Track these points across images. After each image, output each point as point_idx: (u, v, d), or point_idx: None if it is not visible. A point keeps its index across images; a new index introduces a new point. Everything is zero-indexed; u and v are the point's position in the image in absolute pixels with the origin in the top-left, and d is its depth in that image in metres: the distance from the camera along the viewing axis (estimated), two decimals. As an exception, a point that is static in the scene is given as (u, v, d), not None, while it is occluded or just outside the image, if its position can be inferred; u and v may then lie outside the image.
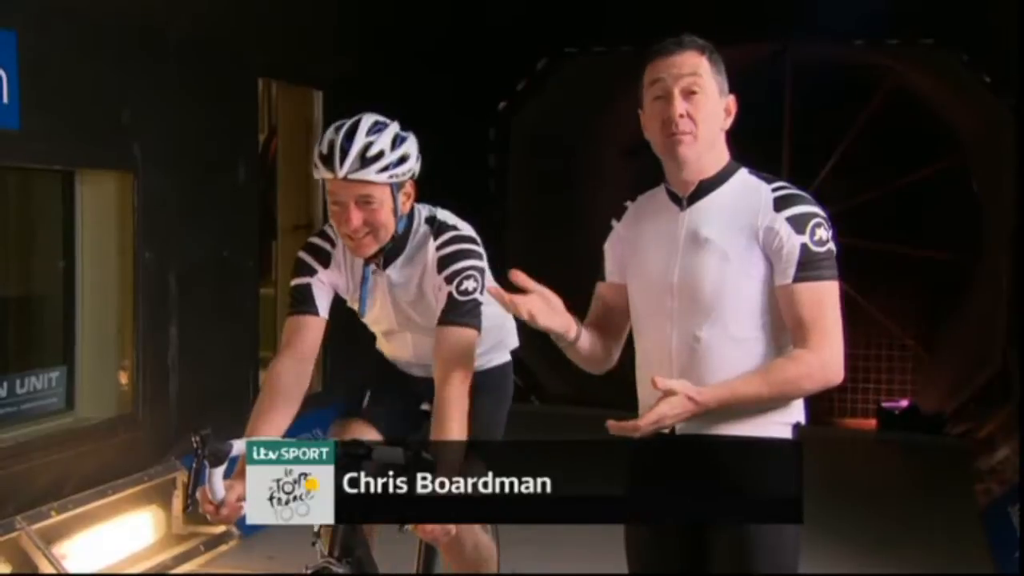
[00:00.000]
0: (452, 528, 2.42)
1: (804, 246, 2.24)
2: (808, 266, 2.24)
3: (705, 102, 2.28)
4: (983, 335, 8.07)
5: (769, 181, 2.33)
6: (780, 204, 2.28)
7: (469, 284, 2.68)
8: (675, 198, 2.38)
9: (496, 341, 3.04)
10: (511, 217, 8.61)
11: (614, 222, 2.53)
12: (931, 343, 9.64)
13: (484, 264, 2.75)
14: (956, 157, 9.12)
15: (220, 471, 2.40)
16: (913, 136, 9.27)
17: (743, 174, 2.37)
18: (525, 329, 3.22)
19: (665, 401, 2.20)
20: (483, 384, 2.84)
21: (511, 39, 7.71)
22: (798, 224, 2.26)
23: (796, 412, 2.32)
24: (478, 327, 2.68)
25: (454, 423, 2.55)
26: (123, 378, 4.93)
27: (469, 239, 2.76)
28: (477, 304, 2.69)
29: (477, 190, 8.23)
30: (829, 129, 9.35)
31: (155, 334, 4.93)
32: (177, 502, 4.93)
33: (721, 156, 2.36)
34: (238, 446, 2.44)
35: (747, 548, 2.24)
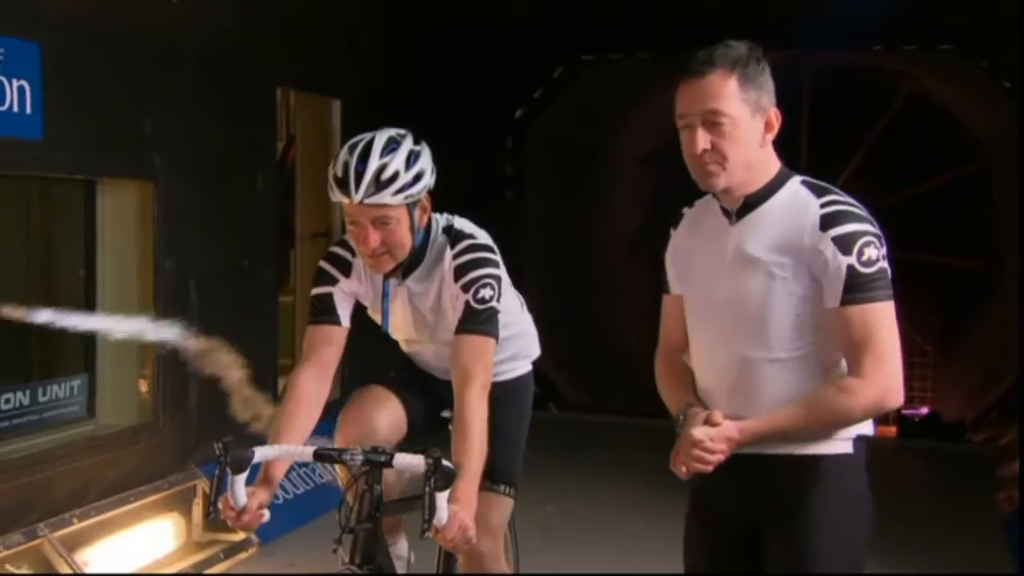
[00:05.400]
0: (473, 535, 2.42)
1: (851, 267, 2.13)
2: (856, 288, 2.13)
3: (732, 129, 2.18)
4: (1004, 342, 8.01)
5: (820, 193, 2.21)
6: (826, 223, 2.16)
7: (486, 292, 2.68)
8: (725, 211, 2.30)
9: (517, 350, 3.05)
10: (528, 224, 8.62)
11: (672, 230, 2.45)
12: (952, 350, 9.58)
13: (501, 272, 2.75)
14: (976, 163, 9.07)
15: (242, 478, 2.41)
16: (932, 142, 9.22)
17: (794, 185, 2.25)
18: (543, 336, 3.24)
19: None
20: (503, 398, 2.84)
21: (528, 47, 7.72)
22: (844, 244, 2.14)
23: (859, 426, 2.23)
24: (495, 335, 2.69)
25: (475, 432, 2.55)
26: (143, 386, 4.96)
27: (485, 247, 2.77)
28: (494, 312, 2.69)
29: (494, 198, 8.25)
30: (847, 136, 9.32)
31: (175, 342, 4.95)
32: (197, 509, 4.95)
33: (766, 170, 2.25)
34: (260, 453, 2.46)
35: (803, 556, 2.21)
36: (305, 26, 5.70)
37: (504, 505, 2.96)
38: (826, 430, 2.19)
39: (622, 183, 9.29)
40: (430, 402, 2.99)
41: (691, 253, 2.36)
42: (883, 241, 2.17)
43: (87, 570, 4.31)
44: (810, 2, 6.85)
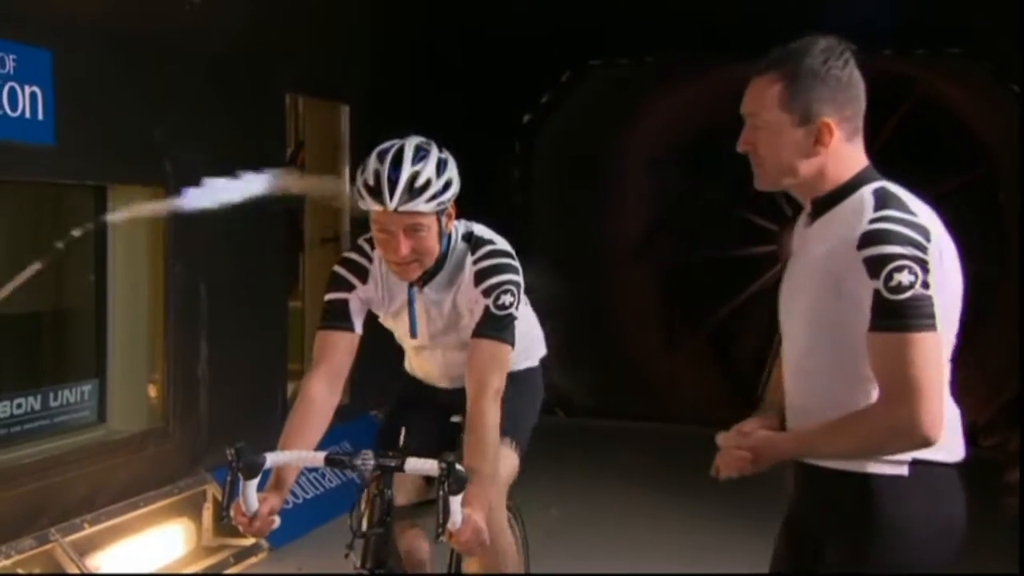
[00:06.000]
0: (486, 538, 2.43)
1: (877, 293, 1.99)
2: (883, 315, 1.99)
3: (768, 137, 2.14)
4: (1011, 346, 7.99)
5: (879, 206, 2.07)
6: (864, 241, 2.02)
7: (506, 299, 2.69)
8: (808, 213, 2.24)
9: (522, 348, 3.05)
10: (536, 229, 8.62)
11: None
12: (960, 354, 9.54)
13: (520, 279, 2.76)
14: (983, 168, 9.06)
15: (254, 484, 2.41)
16: (940, 147, 9.21)
17: (864, 193, 2.12)
18: (551, 341, 3.25)
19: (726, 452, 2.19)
20: (510, 383, 2.82)
21: (535, 52, 7.73)
22: (873, 267, 2.00)
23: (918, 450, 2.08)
24: (512, 342, 2.70)
25: (488, 436, 2.56)
26: (153, 391, 4.98)
27: (506, 254, 2.78)
28: (513, 319, 2.70)
29: (502, 203, 8.25)
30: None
31: (185, 347, 4.97)
32: (207, 514, 4.97)
33: (831, 176, 2.15)
34: (272, 459, 2.47)
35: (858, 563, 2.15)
36: (314, 32, 5.72)
37: (510, 459, 2.93)
38: (855, 454, 2.11)
39: (629, 187, 9.28)
40: (438, 426, 2.98)
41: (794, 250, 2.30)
42: (926, 266, 2.00)
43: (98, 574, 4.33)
44: (818, 7, 6.85)
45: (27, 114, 4.08)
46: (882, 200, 2.10)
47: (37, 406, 4.51)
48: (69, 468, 4.38)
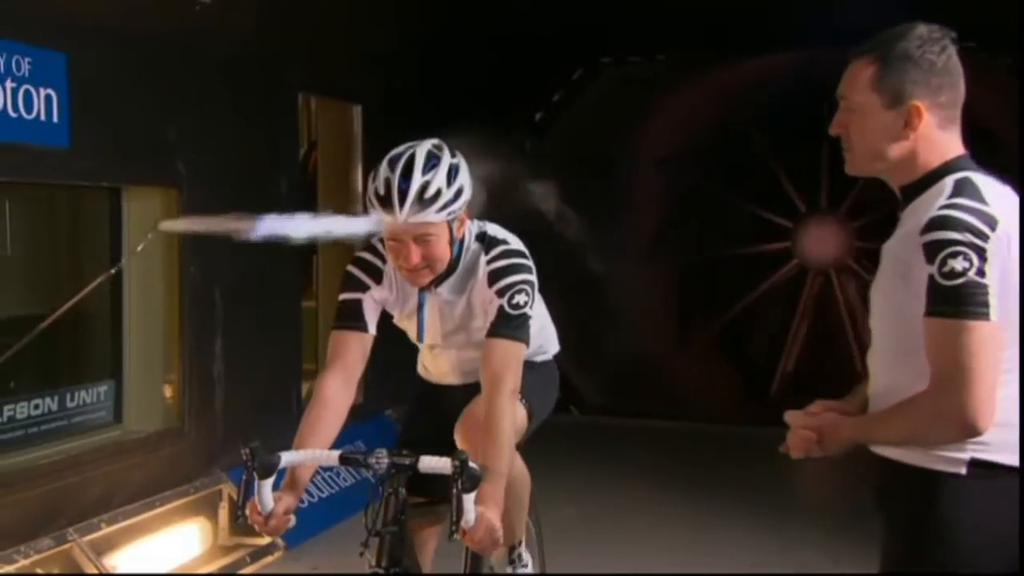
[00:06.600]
0: (500, 537, 2.43)
1: (931, 278, 1.98)
2: (936, 300, 1.98)
3: (859, 119, 2.15)
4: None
5: (955, 194, 2.05)
6: (928, 227, 2.01)
7: (520, 298, 2.69)
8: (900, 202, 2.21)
9: (535, 346, 3.06)
10: (549, 226, 8.61)
11: None
12: None
13: (534, 279, 2.76)
14: (998, 162, 9.01)
15: (269, 483, 2.42)
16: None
17: (948, 181, 2.10)
18: (564, 339, 3.26)
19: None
20: (527, 369, 2.79)
21: (546, 50, 7.73)
22: (931, 251, 1.99)
23: (976, 446, 2.03)
24: (527, 341, 2.70)
25: (503, 434, 2.57)
26: (169, 391, 5.00)
27: (520, 253, 2.78)
28: (527, 319, 2.70)
29: (514, 201, 8.25)
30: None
31: (200, 348, 5.00)
32: (223, 513, 4.99)
33: (920, 162, 2.13)
34: (286, 458, 2.48)
35: (885, 561, 2.15)
36: (325, 32, 5.73)
37: (519, 411, 2.87)
38: (905, 440, 2.09)
39: (641, 185, 9.27)
40: (451, 424, 3.00)
41: None
42: (984, 254, 1.98)
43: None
44: (829, 1, 6.83)
45: (42, 116, 4.10)
46: (958, 188, 2.07)
47: (54, 407, 4.54)
48: (86, 468, 4.41)
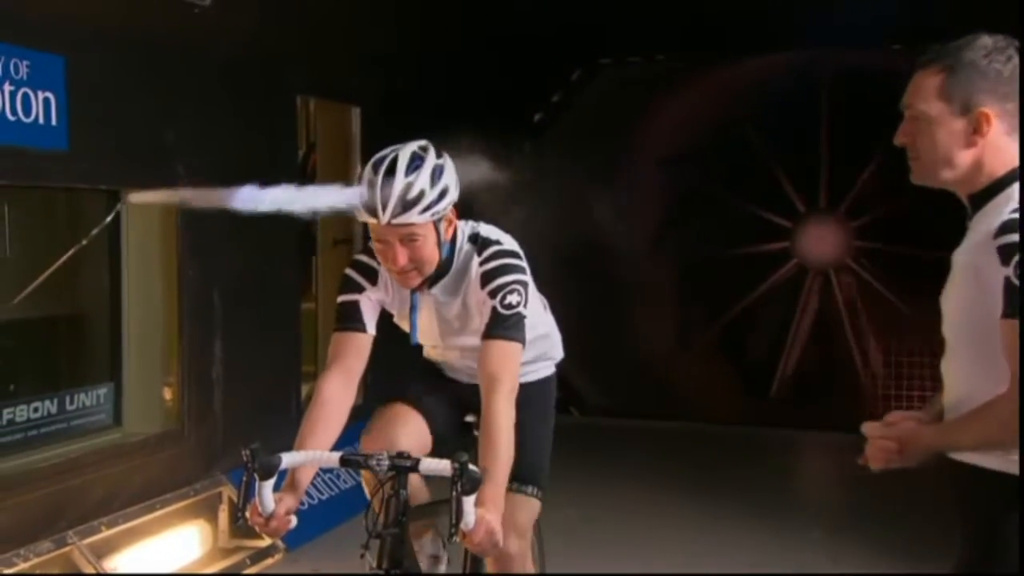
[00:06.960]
0: (500, 539, 2.43)
1: (1007, 280, 2.01)
2: (1014, 302, 2.00)
3: (926, 128, 2.18)
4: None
5: None
6: (1000, 230, 2.05)
7: (513, 298, 2.69)
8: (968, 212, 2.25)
9: (540, 352, 3.06)
10: (548, 228, 8.61)
11: None
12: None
13: (528, 278, 2.76)
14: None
15: (270, 484, 2.43)
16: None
17: (1014, 189, 2.13)
18: (564, 339, 3.25)
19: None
20: (527, 399, 2.83)
21: (545, 50, 7.73)
22: (1005, 254, 2.02)
23: None
24: (522, 341, 2.70)
25: (502, 436, 2.56)
26: (168, 394, 5.00)
27: (512, 253, 2.78)
28: (521, 318, 2.70)
29: (512, 201, 8.24)
30: (868, 135, 9.27)
31: (200, 350, 4.99)
32: (223, 515, 4.99)
33: (987, 169, 2.16)
34: (287, 460, 2.47)
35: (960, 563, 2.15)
36: (324, 34, 5.73)
37: (531, 506, 2.97)
38: (982, 444, 2.10)
39: (641, 186, 9.27)
40: (454, 410, 3.01)
41: None
42: None
43: (115, 576, 4.36)
44: (829, 2, 6.83)
45: (40, 120, 4.10)
46: None
47: (54, 410, 4.54)
48: (86, 471, 4.41)
